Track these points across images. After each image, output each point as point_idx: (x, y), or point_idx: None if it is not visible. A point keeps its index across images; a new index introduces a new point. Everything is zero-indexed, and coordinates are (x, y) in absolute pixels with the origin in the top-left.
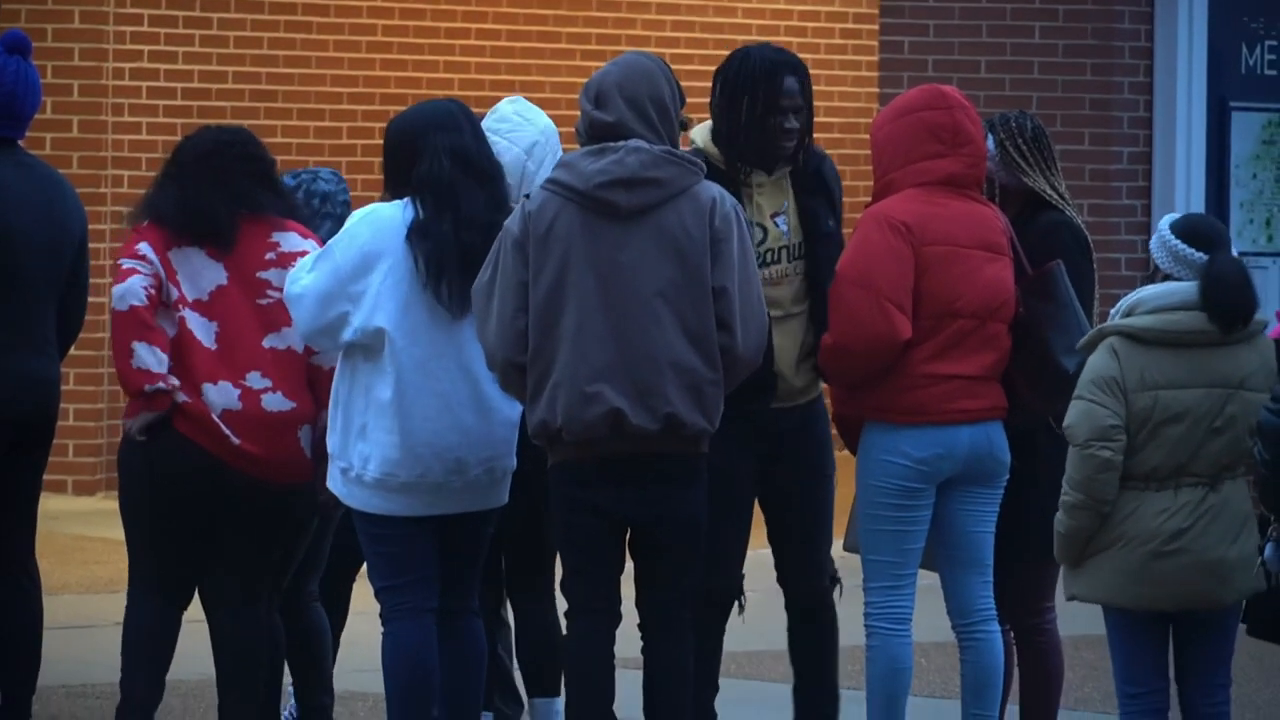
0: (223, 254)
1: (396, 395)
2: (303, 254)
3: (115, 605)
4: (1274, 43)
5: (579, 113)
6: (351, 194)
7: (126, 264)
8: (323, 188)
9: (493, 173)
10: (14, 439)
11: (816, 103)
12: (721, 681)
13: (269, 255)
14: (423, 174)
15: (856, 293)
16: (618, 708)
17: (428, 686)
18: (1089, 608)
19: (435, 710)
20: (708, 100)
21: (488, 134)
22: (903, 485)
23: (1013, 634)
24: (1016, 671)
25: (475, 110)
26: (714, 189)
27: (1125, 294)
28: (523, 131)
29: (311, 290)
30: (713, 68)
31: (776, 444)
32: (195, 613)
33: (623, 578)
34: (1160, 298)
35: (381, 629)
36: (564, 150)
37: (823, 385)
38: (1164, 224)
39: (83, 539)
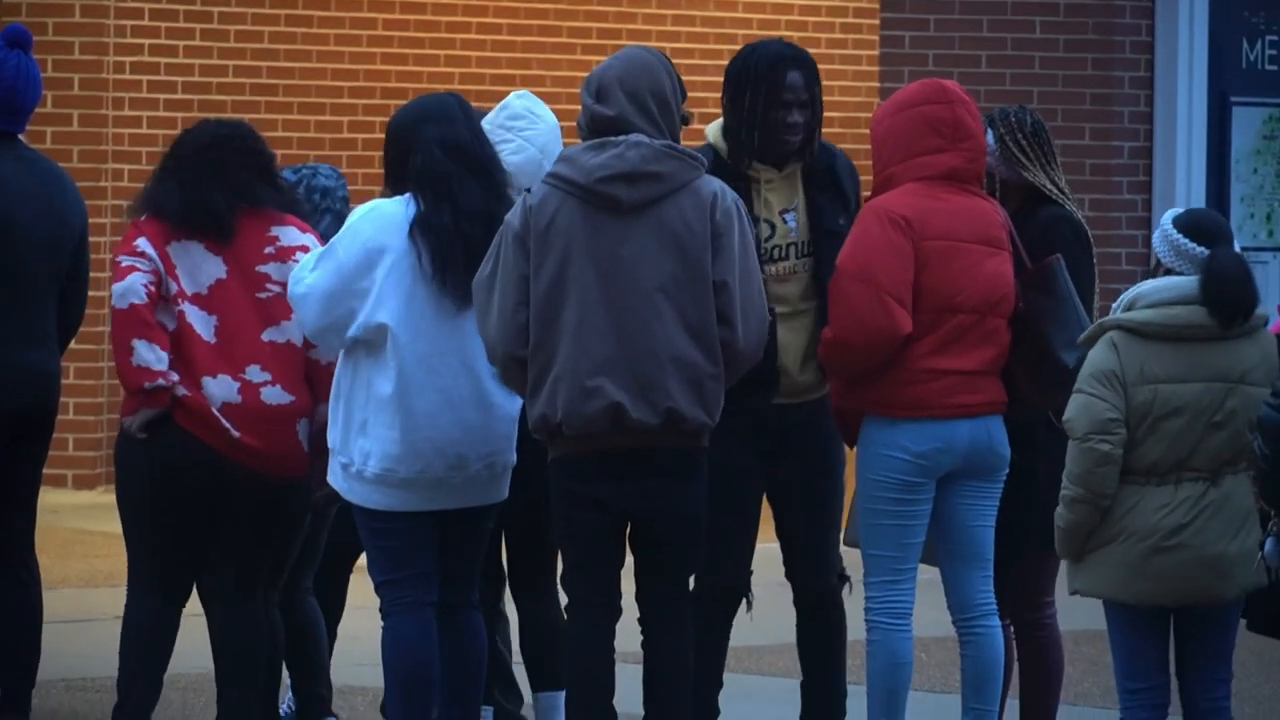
0: (222, 248)
1: (398, 391)
2: (302, 248)
3: (115, 599)
4: (1275, 38)
5: (580, 107)
6: (353, 188)
7: (126, 261)
8: (323, 183)
9: (487, 164)
10: (14, 432)
11: None
12: (724, 676)
13: (268, 249)
14: (417, 167)
15: (857, 287)
16: (618, 702)
17: (427, 681)
18: (1088, 602)
19: (434, 705)
20: (708, 95)
21: (502, 131)
22: (902, 480)
23: (1013, 629)
24: (1017, 666)
25: (479, 104)
26: (715, 183)
27: (1126, 289)
28: (536, 129)
29: (317, 289)
30: (714, 62)
31: (784, 440)
32: (195, 606)
33: (623, 572)
34: (1160, 292)
35: (381, 623)
36: (564, 144)
37: None
38: (1167, 218)
39: (82, 533)
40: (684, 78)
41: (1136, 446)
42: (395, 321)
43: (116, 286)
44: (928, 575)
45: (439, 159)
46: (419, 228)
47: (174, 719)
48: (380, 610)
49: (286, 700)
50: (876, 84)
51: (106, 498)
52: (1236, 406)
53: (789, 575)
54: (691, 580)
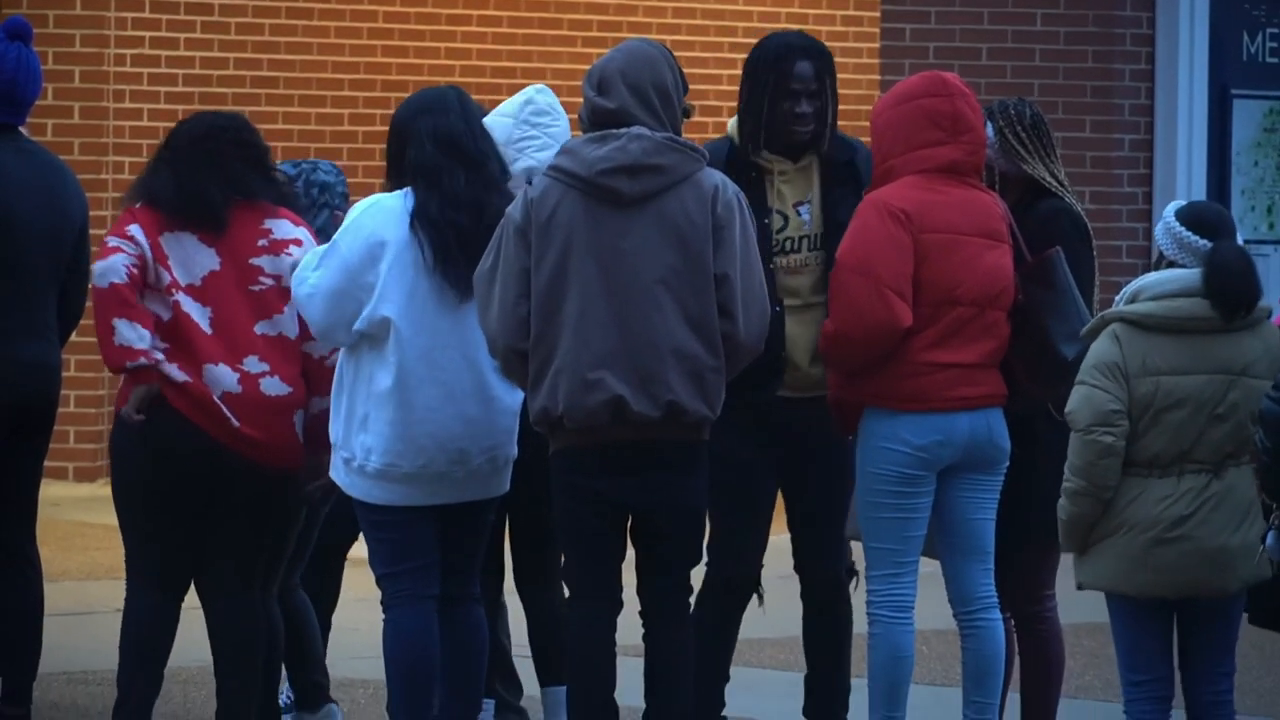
0: (215, 239)
1: (398, 385)
2: (295, 241)
3: (116, 592)
4: (1276, 30)
5: (581, 99)
6: (353, 182)
7: (112, 242)
8: (322, 178)
9: (478, 155)
10: (15, 425)
11: None
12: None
13: (261, 242)
14: (411, 160)
15: (857, 280)
16: (619, 695)
17: (428, 673)
18: (1089, 596)
19: (436, 697)
20: (709, 88)
21: (526, 128)
22: (902, 472)
23: (1013, 622)
24: (1017, 660)
25: (481, 98)
26: (716, 176)
27: (1127, 281)
28: (559, 125)
29: (322, 287)
30: (714, 55)
31: (794, 434)
32: (195, 599)
33: (624, 565)
34: (1162, 284)
35: (382, 616)
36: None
37: None
38: (1169, 211)
39: (83, 525)
40: (685, 70)
41: (1139, 438)
42: (398, 315)
43: (98, 265)
44: (928, 568)
45: (430, 151)
46: (418, 219)
47: (175, 712)
48: (381, 603)
49: (284, 691)
50: (877, 77)
51: (107, 490)
52: (1239, 399)
53: (797, 566)
54: (701, 573)
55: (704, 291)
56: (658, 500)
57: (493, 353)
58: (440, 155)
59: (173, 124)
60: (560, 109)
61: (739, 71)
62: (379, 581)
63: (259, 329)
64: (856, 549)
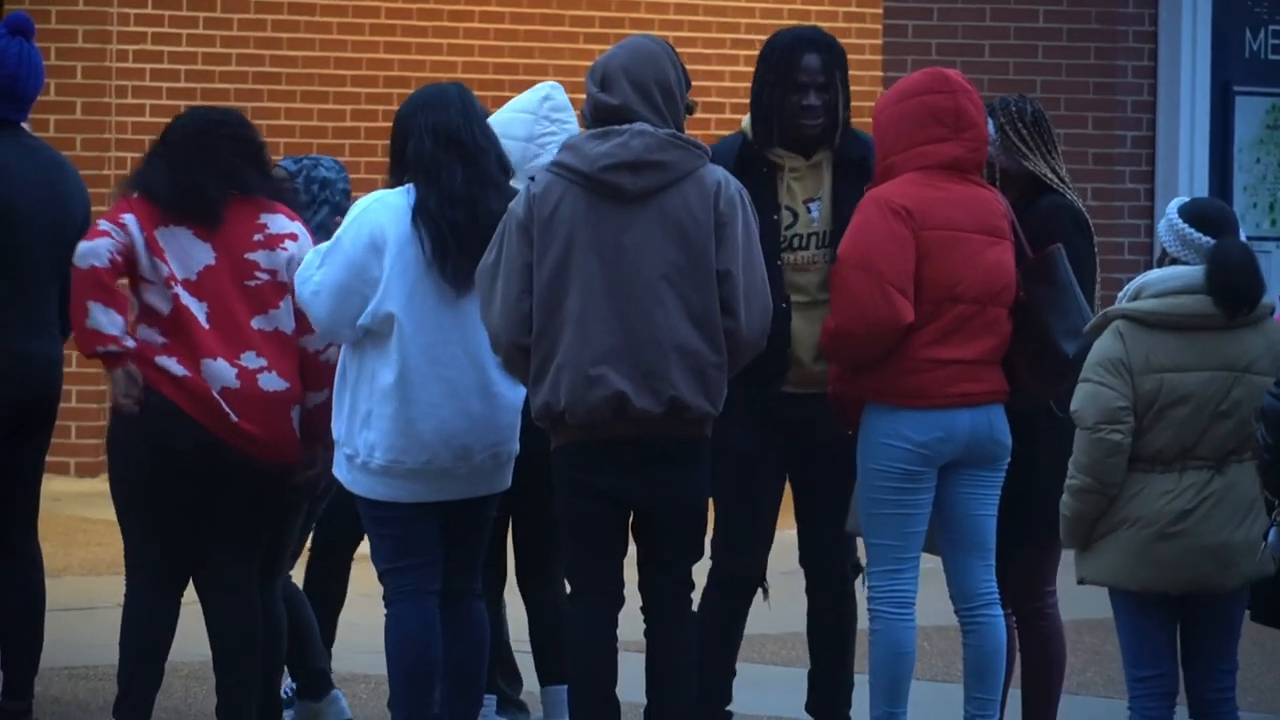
0: (210, 234)
1: (400, 381)
2: (290, 236)
3: (117, 587)
4: (1278, 27)
5: (584, 95)
6: (355, 178)
7: (102, 225)
8: (323, 175)
9: (475, 151)
10: (16, 420)
11: None
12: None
13: (256, 236)
14: (410, 155)
15: (858, 276)
16: (620, 691)
17: (430, 669)
18: (1090, 592)
19: (437, 692)
20: (712, 84)
21: (546, 123)
22: (903, 468)
23: (1014, 618)
24: (1019, 656)
25: (493, 93)
26: (719, 172)
27: (1128, 278)
28: (574, 123)
29: (327, 284)
30: (717, 51)
31: (799, 430)
32: (195, 594)
33: (626, 561)
34: (1165, 281)
35: (384, 612)
36: None
37: None
38: (1172, 207)
39: (85, 520)
40: (688, 66)
41: (1142, 435)
42: (401, 310)
43: (81, 245)
44: (930, 564)
45: (429, 147)
46: (419, 214)
47: (175, 707)
48: (383, 598)
49: (286, 683)
50: (879, 73)
51: (109, 486)
52: (1242, 396)
53: (803, 560)
54: (704, 568)
55: (706, 287)
56: (659, 496)
57: (495, 348)
58: (439, 150)
59: None
60: (568, 104)
61: (742, 68)
62: (381, 577)
63: (256, 324)
64: (861, 546)
